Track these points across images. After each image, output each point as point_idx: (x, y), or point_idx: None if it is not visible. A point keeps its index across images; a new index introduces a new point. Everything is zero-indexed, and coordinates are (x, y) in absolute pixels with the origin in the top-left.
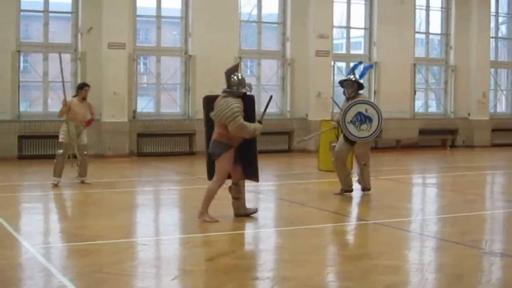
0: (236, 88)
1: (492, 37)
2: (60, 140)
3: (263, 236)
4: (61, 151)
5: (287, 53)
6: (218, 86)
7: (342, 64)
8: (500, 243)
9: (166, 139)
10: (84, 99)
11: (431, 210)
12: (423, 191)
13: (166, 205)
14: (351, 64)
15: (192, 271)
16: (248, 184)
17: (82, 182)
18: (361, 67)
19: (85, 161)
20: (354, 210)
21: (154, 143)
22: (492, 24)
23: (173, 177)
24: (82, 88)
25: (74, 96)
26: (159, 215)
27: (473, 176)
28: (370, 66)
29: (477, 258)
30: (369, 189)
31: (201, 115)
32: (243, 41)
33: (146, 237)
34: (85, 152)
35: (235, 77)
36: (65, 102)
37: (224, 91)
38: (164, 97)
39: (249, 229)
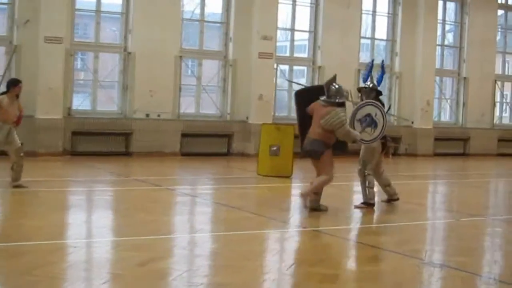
0: (334, 97)
1: (438, 45)
2: None
3: (198, 241)
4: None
5: (229, 54)
6: (157, 85)
7: (285, 67)
8: (440, 254)
9: (102, 138)
10: (17, 96)
11: (371, 218)
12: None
13: (99, 206)
14: (367, 67)
15: (123, 276)
16: (185, 188)
17: (18, 186)
18: (377, 73)
19: (21, 164)
20: (293, 216)
21: (89, 141)
22: (439, 32)
23: (108, 177)
24: (16, 85)
25: (4, 93)
26: (91, 216)
27: (415, 185)
28: (383, 73)
29: (416, 268)
30: (370, 204)
31: (139, 114)
32: (184, 40)
33: (78, 239)
34: (22, 154)
35: (333, 87)
36: None
37: (325, 101)
38: (101, 94)
39: (184, 233)
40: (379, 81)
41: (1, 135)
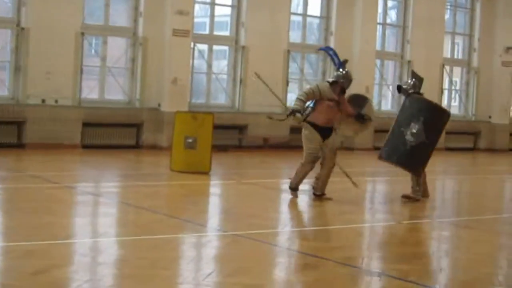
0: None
1: (379, 24)
2: None
3: (102, 246)
4: None
5: (139, 31)
6: (55, 66)
7: (204, 47)
8: (378, 261)
9: None
10: None
11: (301, 221)
12: (293, 199)
13: None
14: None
15: (15, 286)
16: (87, 185)
17: None
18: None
19: None
20: (211, 219)
21: None
22: (380, 9)
23: None
24: None
25: None
26: None
27: (350, 183)
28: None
29: (352, 278)
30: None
31: (33, 100)
32: (87, 14)
33: None
34: None
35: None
36: None
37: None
38: None
39: (85, 237)
40: (339, 64)
41: None
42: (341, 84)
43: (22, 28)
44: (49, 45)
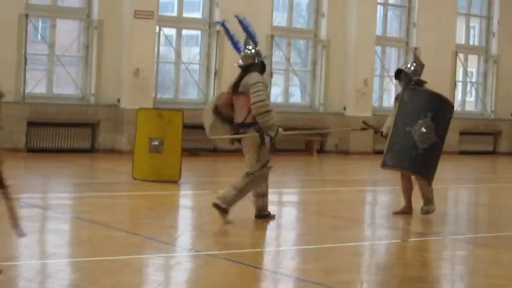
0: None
1: (379, 4)
2: None
3: (50, 269)
4: None
5: (93, 12)
6: None
7: (172, 31)
8: (380, 286)
9: None
10: None
11: (288, 239)
12: (278, 213)
13: None
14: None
15: None
16: (32, 197)
17: None
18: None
19: None
20: (181, 236)
21: None
22: None
23: None
24: None
25: None
26: None
27: (348, 193)
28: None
29: None
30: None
31: None
32: None
33: None
34: None
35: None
36: None
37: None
38: None
39: (31, 259)
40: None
41: None
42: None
43: None
44: None
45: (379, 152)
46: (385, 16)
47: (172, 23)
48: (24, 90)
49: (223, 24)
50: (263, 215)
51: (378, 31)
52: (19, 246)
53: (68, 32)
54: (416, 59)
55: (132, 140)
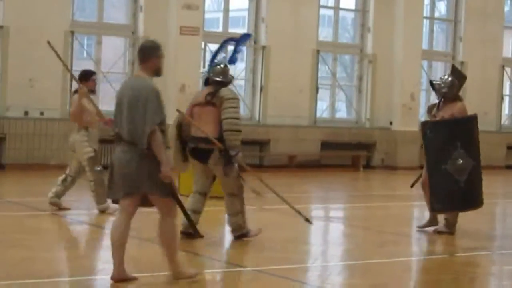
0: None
1: (425, 18)
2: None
3: (99, 285)
4: (99, 167)
5: (139, 29)
6: (39, 72)
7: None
8: None
9: None
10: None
11: (335, 254)
12: (325, 228)
13: None
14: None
15: None
16: (80, 213)
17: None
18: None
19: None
20: (227, 252)
21: None
22: (427, 1)
23: None
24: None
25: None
26: None
27: (395, 208)
28: (248, 36)
29: None
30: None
31: (14, 112)
32: (77, 9)
33: None
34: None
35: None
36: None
37: None
38: None
39: (77, 275)
40: (233, 59)
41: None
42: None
43: (1, 27)
44: (32, 47)
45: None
46: (431, 30)
47: (218, 39)
48: (69, 108)
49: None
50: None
51: (424, 45)
52: (65, 262)
53: (113, 49)
54: (455, 71)
55: None
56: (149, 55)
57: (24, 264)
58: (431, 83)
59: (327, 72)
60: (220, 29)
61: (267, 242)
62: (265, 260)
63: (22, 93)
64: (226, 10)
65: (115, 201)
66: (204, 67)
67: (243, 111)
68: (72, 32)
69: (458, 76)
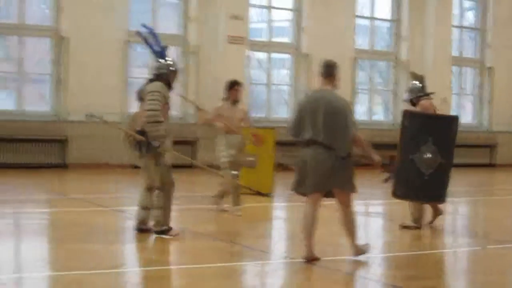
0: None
1: (455, 26)
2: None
3: (154, 275)
4: (236, 172)
5: (189, 38)
6: (100, 78)
7: (262, 55)
8: None
9: (30, 146)
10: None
11: (376, 246)
12: (366, 223)
13: (29, 233)
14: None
15: None
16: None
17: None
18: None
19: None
20: (276, 245)
21: (13, 150)
22: (456, 10)
23: (39, 196)
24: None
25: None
26: (20, 246)
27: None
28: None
29: None
30: None
31: (76, 116)
32: (133, 20)
33: (4, 275)
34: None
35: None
36: None
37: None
38: (28, 90)
39: (135, 266)
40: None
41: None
42: (166, 77)
43: (62, 37)
44: (91, 55)
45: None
46: (460, 38)
47: (262, 47)
48: (128, 111)
49: (144, 30)
50: (145, 229)
51: (454, 52)
52: (126, 254)
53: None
54: (414, 76)
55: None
56: (333, 72)
57: (91, 255)
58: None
59: (364, 78)
60: (265, 38)
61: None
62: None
63: (82, 98)
64: (270, 21)
65: (302, 195)
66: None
67: (285, 114)
68: (128, 42)
69: (419, 78)
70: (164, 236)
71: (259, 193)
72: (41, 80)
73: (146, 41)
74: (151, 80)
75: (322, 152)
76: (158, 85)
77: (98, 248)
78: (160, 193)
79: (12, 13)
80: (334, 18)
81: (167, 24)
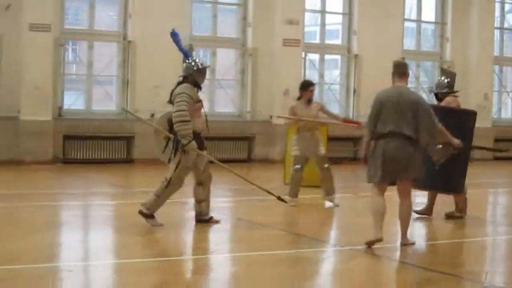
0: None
1: (496, 28)
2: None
3: (214, 263)
4: (299, 166)
5: (248, 42)
6: (163, 79)
7: (315, 56)
8: (502, 275)
9: (99, 143)
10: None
11: (419, 235)
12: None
13: (97, 223)
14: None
15: None
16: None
17: (331, 201)
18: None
19: (328, 176)
20: (327, 233)
21: (83, 147)
22: (497, 13)
23: (106, 189)
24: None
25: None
26: (88, 235)
27: (472, 194)
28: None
29: None
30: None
31: (142, 114)
32: (195, 25)
33: (72, 262)
34: (326, 165)
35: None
36: None
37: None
38: (97, 91)
39: (196, 254)
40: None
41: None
42: (192, 78)
43: (129, 41)
44: (156, 58)
45: (499, 159)
46: (501, 39)
47: (316, 49)
48: None
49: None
50: (203, 220)
51: (496, 52)
52: (187, 243)
53: (226, 59)
54: (445, 72)
55: (283, 151)
56: (406, 71)
57: (155, 244)
58: (434, 93)
59: (411, 77)
60: (318, 41)
61: (363, 225)
62: (360, 240)
63: (148, 98)
64: (323, 24)
65: (377, 183)
66: (304, 74)
67: (338, 111)
68: (191, 45)
69: (449, 75)
70: (147, 220)
71: (279, 199)
72: (108, 81)
73: (177, 44)
74: (179, 83)
75: (404, 143)
76: (183, 87)
77: (160, 237)
78: (164, 182)
79: (82, 20)
80: (383, 21)
81: (226, 29)
